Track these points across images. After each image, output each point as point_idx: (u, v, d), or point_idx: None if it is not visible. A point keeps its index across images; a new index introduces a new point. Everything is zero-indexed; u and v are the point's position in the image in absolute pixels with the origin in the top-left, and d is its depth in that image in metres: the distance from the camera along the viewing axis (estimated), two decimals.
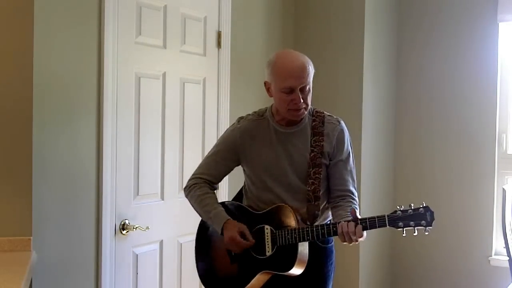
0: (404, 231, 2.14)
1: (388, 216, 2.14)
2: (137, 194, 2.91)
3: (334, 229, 2.19)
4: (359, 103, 3.87)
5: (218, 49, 3.36)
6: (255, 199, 2.40)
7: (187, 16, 3.17)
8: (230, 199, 2.66)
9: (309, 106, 2.33)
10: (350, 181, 2.39)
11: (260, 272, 2.28)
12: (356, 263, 3.87)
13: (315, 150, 2.32)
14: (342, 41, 3.94)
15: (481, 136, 4.10)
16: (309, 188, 2.31)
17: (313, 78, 2.29)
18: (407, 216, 2.13)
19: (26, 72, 2.37)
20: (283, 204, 2.30)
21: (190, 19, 3.19)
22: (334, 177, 2.38)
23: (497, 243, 4.05)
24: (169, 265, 3.10)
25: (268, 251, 2.27)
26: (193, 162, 3.14)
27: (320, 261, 2.39)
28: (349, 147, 2.41)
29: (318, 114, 2.38)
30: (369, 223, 2.14)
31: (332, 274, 2.46)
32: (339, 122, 2.40)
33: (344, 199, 2.36)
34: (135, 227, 2.84)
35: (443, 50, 4.21)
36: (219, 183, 2.52)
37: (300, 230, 2.22)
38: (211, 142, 3.26)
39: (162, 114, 3.04)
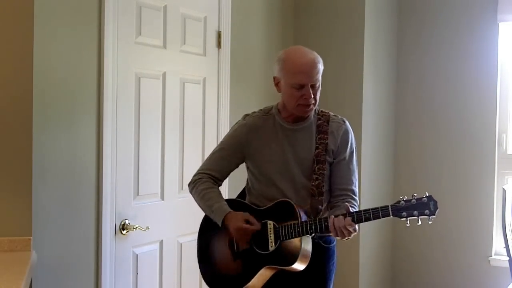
0: (408, 221, 2.14)
1: (391, 206, 2.15)
2: (137, 194, 2.91)
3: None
4: (359, 102, 3.87)
5: (218, 49, 3.36)
6: (259, 195, 2.41)
7: (187, 16, 3.17)
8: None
9: (317, 103, 2.35)
10: (353, 180, 2.41)
11: (264, 267, 2.29)
12: (356, 263, 3.87)
13: (320, 147, 2.35)
14: (342, 41, 3.94)
15: (481, 136, 4.11)
16: (313, 183, 2.32)
17: None
18: (410, 205, 2.14)
19: (26, 72, 2.37)
20: (286, 199, 2.31)
21: (190, 19, 3.19)
22: (336, 176, 2.39)
23: (497, 243, 4.05)
24: (169, 265, 3.10)
25: (272, 246, 2.28)
26: (193, 162, 3.14)
27: (322, 260, 2.40)
28: (353, 148, 2.43)
29: (324, 113, 2.42)
30: (373, 214, 2.15)
31: (333, 274, 2.47)
32: (344, 122, 2.43)
33: (344, 198, 2.37)
34: (135, 227, 2.84)
35: (443, 50, 4.21)
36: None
37: (303, 224, 2.23)
38: (211, 142, 3.27)
39: (162, 114, 3.04)
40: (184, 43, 3.15)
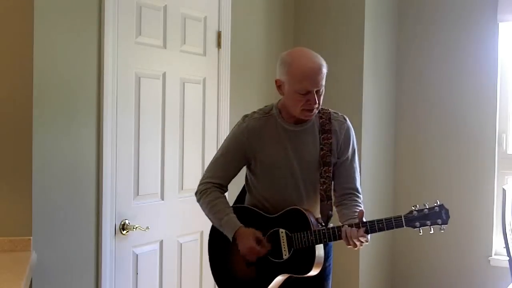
0: (421, 230, 2.16)
1: (404, 216, 2.16)
2: (137, 194, 2.91)
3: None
4: (359, 103, 3.87)
5: (218, 49, 3.36)
6: (261, 198, 2.40)
7: (187, 16, 3.17)
8: (229, 199, 2.65)
9: (320, 106, 2.32)
10: (356, 178, 2.41)
11: (279, 275, 2.30)
12: (356, 263, 3.87)
13: (325, 148, 2.34)
14: (342, 41, 3.94)
15: (481, 136, 4.10)
16: (321, 187, 2.32)
17: None
18: (423, 215, 2.15)
19: (26, 72, 2.36)
20: (297, 207, 2.31)
21: (190, 19, 3.19)
22: (340, 175, 2.39)
23: (497, 243, 4.05)
24: (169, 265, 3.10)
25: (285, 255, 2.28)
26: (193, 162, 3.14)
27: None
28: (355, 145, 2.43)
29: (324, 111, 2.39)
30: (386, 224, 2.15)
31: (331, 274, 2.48)
32: (346, 120, 2.42)
33: (350, 197, 2.37)
34: (135, 227, 2.84)
35: (443, 50, 4.21)
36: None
37: (316, 233, 2.24)
38: (211, 142, 3.27)
39: (162, 114, 3.04)
40: (184, 43, 3.15)
